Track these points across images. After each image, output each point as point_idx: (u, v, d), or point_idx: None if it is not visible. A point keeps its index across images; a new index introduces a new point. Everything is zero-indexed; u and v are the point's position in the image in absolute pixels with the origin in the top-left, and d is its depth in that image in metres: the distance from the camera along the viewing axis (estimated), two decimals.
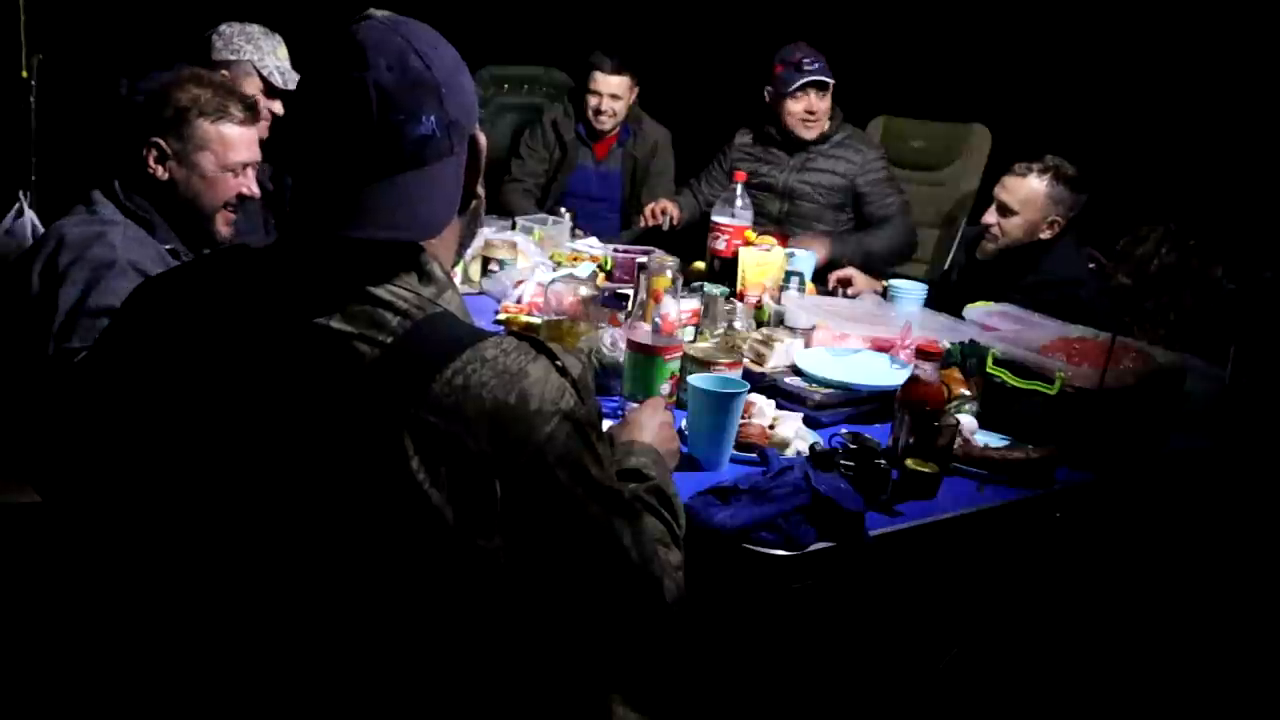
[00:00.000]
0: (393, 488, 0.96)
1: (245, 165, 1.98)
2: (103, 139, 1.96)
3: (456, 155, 1.08)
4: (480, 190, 1.15)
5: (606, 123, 3.87)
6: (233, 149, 1.94)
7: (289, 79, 2.79)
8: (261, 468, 1.01)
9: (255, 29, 2.79)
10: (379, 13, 1.06)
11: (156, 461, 1.06)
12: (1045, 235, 2.77)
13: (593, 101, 3.82)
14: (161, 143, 1.90)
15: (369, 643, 1.01)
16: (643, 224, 3.52)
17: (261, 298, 1.03)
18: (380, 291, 1.02)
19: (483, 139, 1.13)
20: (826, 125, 3.54)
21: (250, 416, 1.01)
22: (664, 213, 3.50)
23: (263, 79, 2.77)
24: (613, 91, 3.81)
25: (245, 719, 1.04)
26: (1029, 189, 2.76)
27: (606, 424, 1.70)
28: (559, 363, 1.05)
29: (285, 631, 1.02)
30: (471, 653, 1.06)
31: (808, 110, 3.48)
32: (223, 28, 2.77)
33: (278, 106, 2.84)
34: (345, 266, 1.03)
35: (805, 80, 3.43)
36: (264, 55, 2.78)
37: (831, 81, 3.46)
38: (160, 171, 1.91)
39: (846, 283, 2.97)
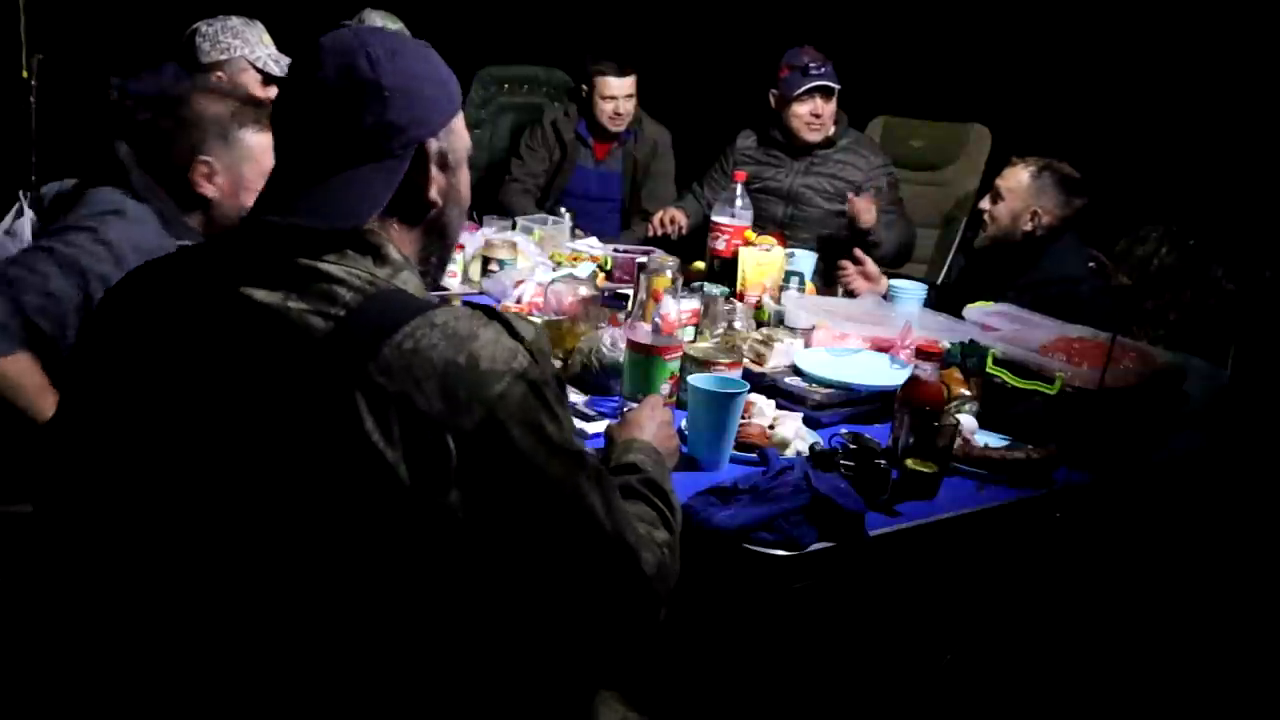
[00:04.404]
0: (349, 449, 0.98)
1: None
2: (113, 149, 1.96)
3: (397, 159, 1.10)
4: (437, 198, 1.15)
5: (622, 124, 3.86)
6: (267, 155, 1.96)
7: (283, 64, 2.78)
8: (224, 445, 1.02)
9: (235, 21, 2.77)
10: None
11: (124, 444, 1.07)
12: (1027, 227, 2.77)
13: (608, 107, 3.81)
14: (211, 160, 1.90)
15: (335, 613, 1.01)
16: (650, 233, 3.51)
17: (222, 286, 1.06)
18: (335, 270, 1.05)
19: (436, 148, 1.14)
20: (831, 129, 3.54)
21: (212, 396, 1.03)
22: (672, 222, 3.50)
23: (258, 70, 2.76)
24: (626, 92, 3.81)
25: (205, 686, 1.04)
26: (1016, 178, 2.80)
27: (606, 423, 1.71)
28: (513, 328, 1.06)
29: (253, 603, 1.02)
30: (441, 624, 1.06)
31: (813, 114, 3.48)
32: (203, 28, 2.75)
33: (274, 93, 2.83)
34: (298, 250, 1.06)
35: (811, 85, 3.43)
36: (253, 47, 2.77)
37: (837, 87, 3.46)
38: (209, 189, 1.92)
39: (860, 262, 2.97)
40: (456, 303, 1.09)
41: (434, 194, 1.15)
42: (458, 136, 1.18)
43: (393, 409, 0.98)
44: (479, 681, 1.10)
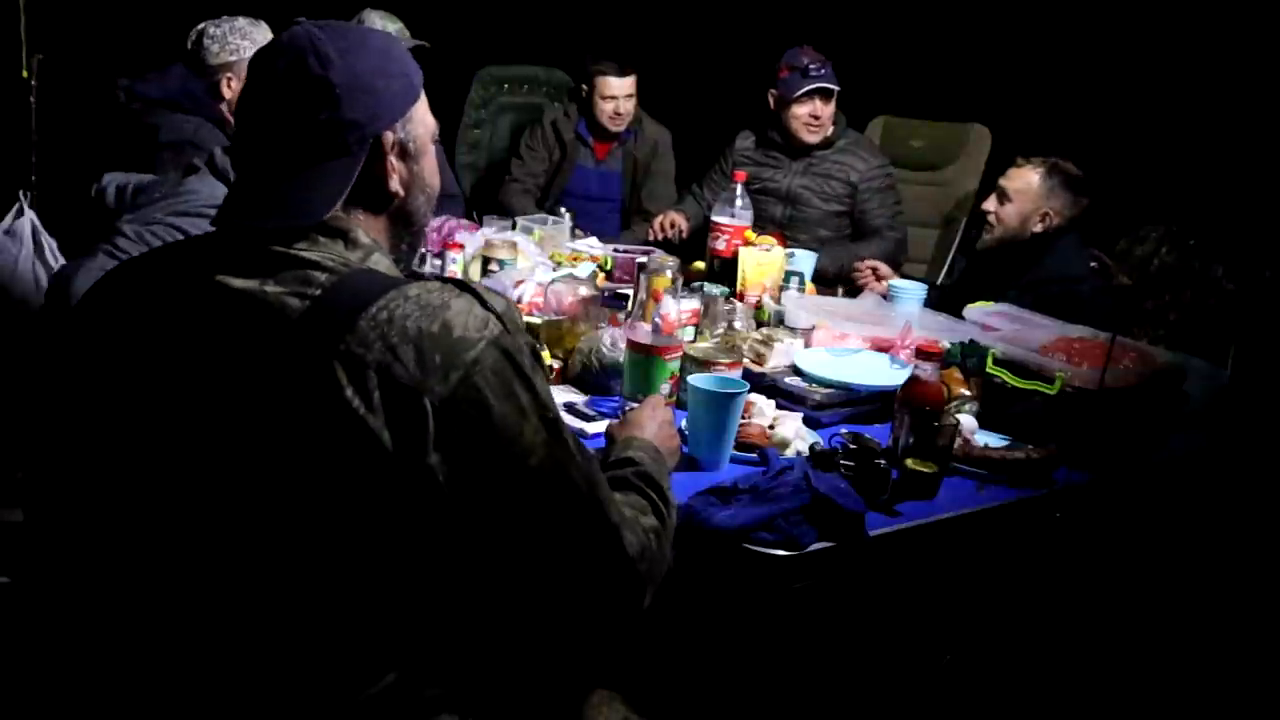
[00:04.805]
0: (334, 418, 1.00)
1: None
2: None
3: (354, 155, 1.12)
4: (399, 189, 1.17)
5: (622, 124, 3.86)
6: None
7: None
8: (211, 427, 1.04)
9: (242, 22, 2.76)
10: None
11: (112, 433, 1.09)
12: (1037, 229, 2.78)
13: (608, 107, 3.80)
14: None
15: (328, 583, 1.03)
16: (650, 237, 3.51)
17: (198, 277, 1.09)
18: (309, 254, 1.08)
19: (393, 140, 1.15)
20: (829, 130, 3.54)
21: (195, 381, 1.05)
22: (672, 226, 3.50)
23: None
24: (627, 92, 3.80)
25: (188, 658, 1.05)
26: (1025, 179, 2.80)
27: (606, 423, 1.71)
28: (485, 300, 1.09)
29: (245, 578, 1.03)
30: (430, 596, 1.07)
31: (812, 115, 3.48)
32: (210, 29, 2.75)
33: None
34: (270, 240, 1.09)
35: (811, 87, 3.43)
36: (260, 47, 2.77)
37: (837, 89, 3.47)
38: None
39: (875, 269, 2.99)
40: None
41: (394, 185, 1.17)
42: (418, 124, 1.19)
43: (372, 377, 1.00)
44: (468, 656, 1.11)
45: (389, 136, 1.15)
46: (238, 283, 1.06)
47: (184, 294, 1.08)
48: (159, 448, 1.06)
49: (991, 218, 2.84)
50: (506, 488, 1.06)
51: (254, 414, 1.02)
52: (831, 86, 3.45)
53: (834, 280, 3.12)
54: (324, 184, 1.11)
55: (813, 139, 3.52)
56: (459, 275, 2.76)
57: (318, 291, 1.05)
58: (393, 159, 1.16)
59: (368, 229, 1.15)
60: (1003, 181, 2.85)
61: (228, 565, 1.03)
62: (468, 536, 1.06)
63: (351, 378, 1.00)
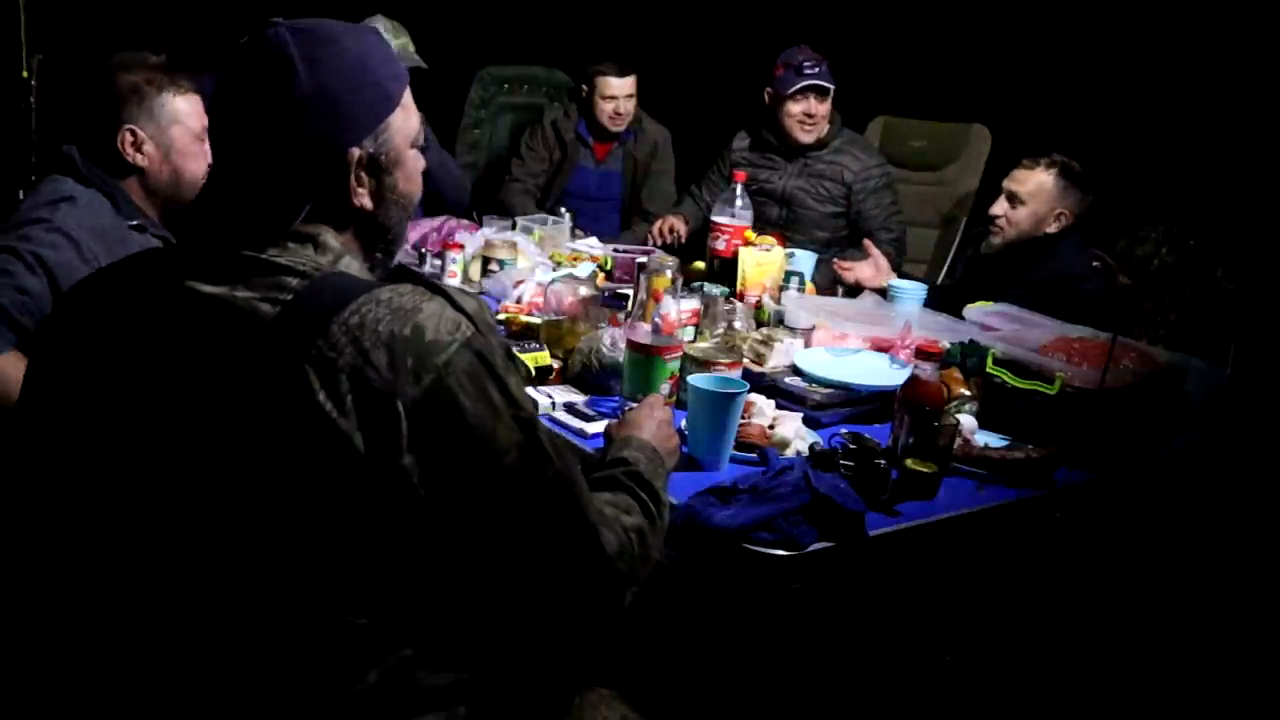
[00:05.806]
0: (305, 422, 1.00)
1: (206, 131, 2.00)
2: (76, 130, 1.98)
3: (315, 172, 1.11)
4: (366, 204, 1.15)
5: (622, 124, 3.86)
6: (196, 116, 1.96)
7: None
8: (184, 433, 1.04)
9: None
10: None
11: (86, 439, 1.09)
12: (1051, 229, 2.76)
13: (608, 107, 3.81)
14: (135, 128, 1.91)
15: (302, 586, 1.03)
16: (649, 242, 3.52)
17: (169, 283, 1.08)
18: (279, 259, 1.08)
19: (359, 155, 1.13)
20: (824, 130, 3.53)
21: (168, 387, 1.05)
22: (671, 231, 3.51)
23: None
24: (627, 93, 3.81)
25: (171, 664, 1.05)
26: (1038, 181, 2.77)
27: (605, 423, 1.71)
28: (456, 302, 1.08)
29: (220, 581, 1.03)
30: (407, 596, 1.07)
31: (806, 113, 3.48)
32: None
33: None
34: (241, 245, 1.09)
35: (805, 84, 3.43)
36: None
37: (832, 87, 3.46)
38: (139, 158, 1.92)
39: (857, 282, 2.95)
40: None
41: (360, 201, 1.15)
42: (395, 133, 1.16)
43: (344, 381, 1.01)
44: (452, 652, 1.12)
45: (354, 153, 1.12)
46: (208, 289, 1.06)
47: (155, 301, 1.08)
48: (134, 453, 1.06)
49: (1001, 221, 2.80)
50: (481, 487, 1.06)
51: (227, 419, 1.02)
52: (826, 85, 3.44)
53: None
54: (286, 197, 1.10)
55: (807, 138, 3.52)
56: (458, 275, 2.76)
57: (289, 296, 1.05)
58: (361, 174, 1.14)
59: (336, 236, 1.14)
60: (1011, 185, 2.80)
61: (205, 569, 1.03)
62: (444, 535, 1.06)
63: (324, 382, 1.00)
